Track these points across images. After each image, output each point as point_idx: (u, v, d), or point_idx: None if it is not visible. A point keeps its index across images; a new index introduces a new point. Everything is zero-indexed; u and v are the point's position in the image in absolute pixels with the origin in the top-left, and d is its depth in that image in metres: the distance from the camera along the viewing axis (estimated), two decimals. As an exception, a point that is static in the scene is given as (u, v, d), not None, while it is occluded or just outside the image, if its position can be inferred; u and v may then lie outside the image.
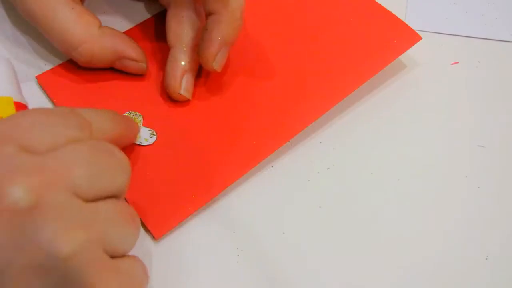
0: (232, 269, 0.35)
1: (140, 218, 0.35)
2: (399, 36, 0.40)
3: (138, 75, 0.40)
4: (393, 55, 0.39)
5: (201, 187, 0.37)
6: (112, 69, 0.40)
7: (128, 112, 0.39)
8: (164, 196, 0.36)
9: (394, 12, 0.42)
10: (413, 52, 0.41)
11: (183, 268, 0.35)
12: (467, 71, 0.41)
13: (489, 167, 0.38)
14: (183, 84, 0.38)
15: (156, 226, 0.36)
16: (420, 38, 0.39)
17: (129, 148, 0.37)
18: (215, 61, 0.37)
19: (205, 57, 0.37)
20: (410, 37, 0.40)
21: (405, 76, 0.41)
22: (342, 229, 0.36)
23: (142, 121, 0.38)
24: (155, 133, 0.38)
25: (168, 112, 0.39)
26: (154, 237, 0.35)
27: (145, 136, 0.38)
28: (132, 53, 0.38)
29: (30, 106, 0.38)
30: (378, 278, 0.35)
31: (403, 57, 0.41)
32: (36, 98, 0.39)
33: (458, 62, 0.41)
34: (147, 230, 0.36)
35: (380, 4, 0.41)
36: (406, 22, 0.42)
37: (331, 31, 0.41)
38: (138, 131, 0.37)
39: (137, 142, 0.38)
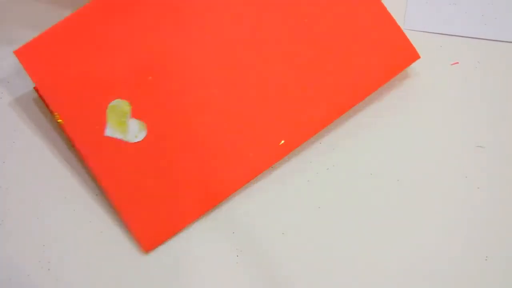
0: (231, 269, 0.35)
1: (128, 229, 0.35)
2: (400, 53, 0.39)
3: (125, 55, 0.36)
4: (391, 73, 0.39)
5: (194, 200, 0.36)
6: (98, 46, 0.36)
7: (115, 101, 0.36)
8: (154, 205, 0.35)
9: (394, 12, 0.42)
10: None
11: (183, 268, 0.35)
12: (467, 71, 0.41)
13: (489, 167, 0.38)
14: None
15: (146, 238, 0.35)
16: (419, 57, 0.39)
17: (116, 145, 0.35)
18: None
19: None
20: (409, 54, 0.39)
21: (405, 77, 0.40)
22: (341, 229, 0.36)
23: (130, 111, 0.35)
24: (144, 127, 0.35)
25: (159, 100, 0.36)
26: (143, 250, 0.35)
27: (134, 132, 0.35)
28: None
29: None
30: (377, 278, 0.35)
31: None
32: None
33: (458, 62, 0.41)
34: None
35: (390, 14, 0.39)
36: (406, 22, 0.42)
37: (335, 40, 0.39)
38: None
39: (125, 139, 0.35)
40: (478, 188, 0.37)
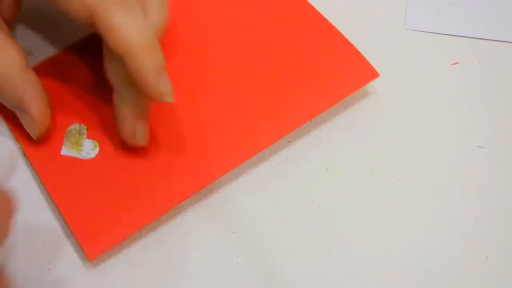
0: (232, 269, 0.35)
1: (75, 236, 0.35)
2: (357, 71, 0.39)
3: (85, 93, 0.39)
4: (348, 91, 0.38)
5: (140, 208, 0.36)
6: (59, 77, 0.39)
7: (73, 125, 0.38)
8: (101, 215, 0.35)
9: (394, 12, 0.42)
10: (413, 52, 0.41)
11: (183, 268, 0.35)
12: (467, 71, 0.41)
13: (489, 168, 0.38)
14: (137, 132, 0.35)
15: (90, 246, 0.35)
16: (378, 75, 0.38)
17: (69, 162, 0.37)
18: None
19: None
20: (368, 73, 0.38)
21: (404, 77, 0.40)
22: (341, 229, 0.36)
23: (86, 133, 0.38)
24: (97, 145, 0.37)
25: (112, 118, 0.37)
26: (87, 258, 0.34)
27: (87, 150, 0.37)
28: (34, 108, 0.35)
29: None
30: (377, 278, 0.35)
31: (401, 57, 0.41)
32: None
33: (458, 62, 0.41)
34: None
35: (344, 36, 0.39)
36: (406, 22, 0.42)
37: (290, 58, 0.39)
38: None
39: (79, 156, 0.37)
40: (479, 188, 0.37)
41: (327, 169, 0.38)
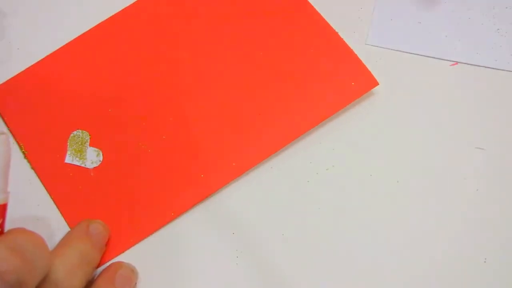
0: (231, 270, 0.35)
1: None
2: (358, 80, 0.39)
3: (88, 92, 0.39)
4: (348, 99, 0.39)
5: (144, 218, 0.36)
6: (63, 84, 0.39)
7: (76, 131, 0.38)
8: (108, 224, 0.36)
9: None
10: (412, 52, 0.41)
11: (182, 269, 0.35)
12: (466, 72, 0.41)
13: (488, 169, 0.38)
14: None
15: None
16: (377, 84, 0.39)
17: (75, 171, 0.37)
18: None
19: None
20: (367, 81, 0.39)
21: (404, 77, 0.40)
22: (341, 230, 0.36)
23: (89, 140, 0.38)
24: (101, 153, 0.38)
25: (116, 129, 0.38)
26: None
27: (91, 159, 0.37)
28: None
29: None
30: (376, 279, 0.35)
31: (401, 56, 0.41)
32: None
33: (457, 63, 0.41)
34: None
35: (346, 44, 0.40)
36: (369, 38, 0.41)
37: (291, 66, 0.39)
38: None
39: (83, 165, 0.37)
40: (477, 190, 0.37)
41: (327, 169, 0.38)
